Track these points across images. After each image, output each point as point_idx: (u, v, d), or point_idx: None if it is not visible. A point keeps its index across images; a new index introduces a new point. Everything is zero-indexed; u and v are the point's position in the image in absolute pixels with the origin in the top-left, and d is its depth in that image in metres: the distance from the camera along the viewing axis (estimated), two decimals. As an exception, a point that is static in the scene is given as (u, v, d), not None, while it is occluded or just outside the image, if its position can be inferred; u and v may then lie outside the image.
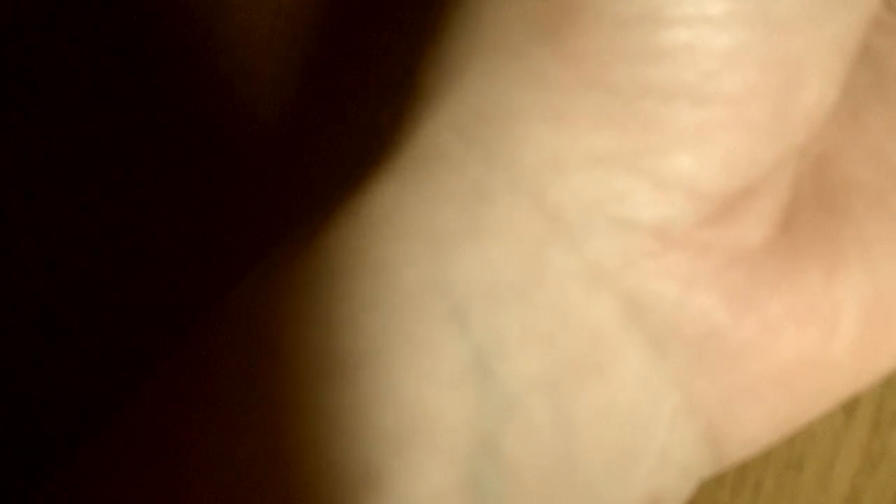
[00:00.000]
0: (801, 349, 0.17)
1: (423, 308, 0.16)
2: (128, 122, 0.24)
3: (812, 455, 0.23)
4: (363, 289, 0.16)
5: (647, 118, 0.15)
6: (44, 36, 0.24)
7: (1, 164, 0.24)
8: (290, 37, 0.24)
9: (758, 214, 0.16)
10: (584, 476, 0.17)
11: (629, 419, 0.17)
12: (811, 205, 0.17)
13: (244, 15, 0.24)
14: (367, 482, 0.16)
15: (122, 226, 0.23)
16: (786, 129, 0.16)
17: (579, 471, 0.17)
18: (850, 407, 0.23)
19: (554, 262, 0.16)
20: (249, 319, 0.17)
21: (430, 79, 0.17)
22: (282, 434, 0.16)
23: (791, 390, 0.17)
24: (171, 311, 0.23)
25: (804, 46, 0.15)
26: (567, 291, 0.16)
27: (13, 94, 0.23)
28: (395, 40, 0.22)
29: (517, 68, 0.16)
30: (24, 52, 0.23)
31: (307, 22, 0.24)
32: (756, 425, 0.17)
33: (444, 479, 0.16)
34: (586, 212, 0.16)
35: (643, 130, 0.15)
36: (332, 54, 0.24)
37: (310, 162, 0.23)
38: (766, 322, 0.16)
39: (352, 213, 0.17)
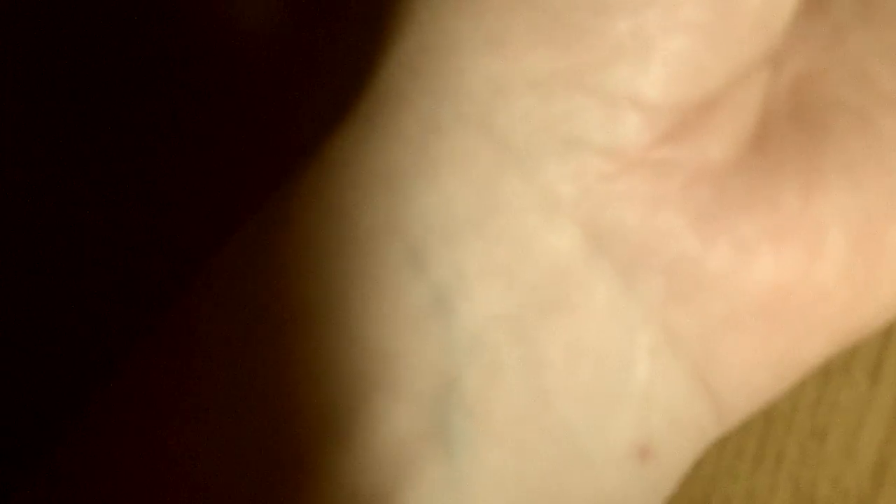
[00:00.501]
0: (781, 272, 0.16)
1: (381, 250, 0.16)
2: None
3: (836, 424, 0.22)
4: (325, 237, 0.16)
5: (581, 31, 0.15)
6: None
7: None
8: None
9: (722, 130, 0.16)
10: (559, 420, 0.16)
11: (603, 357, 0.16)
12: (788, 123, 0.17)
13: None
14: (334, 429, 0.16)
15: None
16: (731, 33, 0.15)
17: (553, 414, 0.16)
18: (874, 372, 0.22)
19: (508, 192, 0.16)
20: (232, 281, 0.17)
21: (388, 19, 0.17)
22: (253, 386, 0.16)
23: (777, 319, 0.16)
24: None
25: None
26: (525, 222, 0.16)
27: None
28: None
29: None
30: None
31: None
32: (745, 361, 0.16)
33: (411, 424, 0.16)
34: (535, 136, 0.16)
35: (581, 45, 0.15)
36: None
37: (304, 113, 0.23)
38: (740, 243, 0.16)
39: (319, 162, 0.17)
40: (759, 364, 0.17)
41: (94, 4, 0.24)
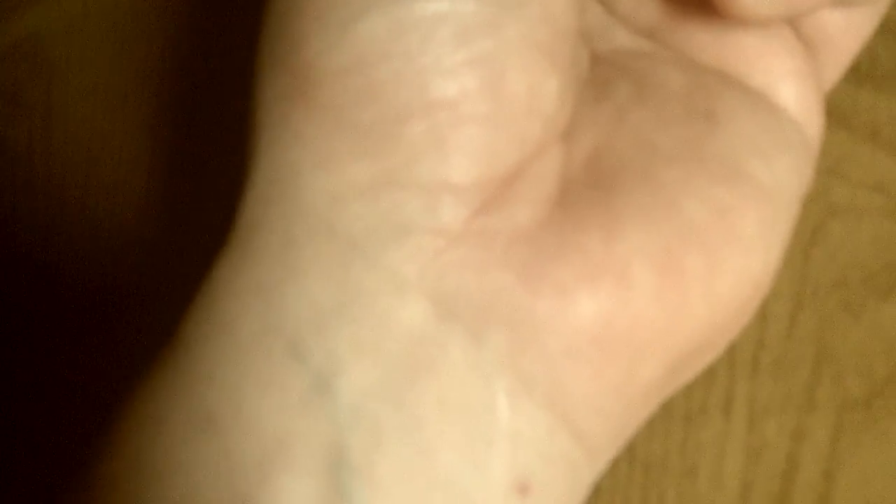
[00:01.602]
0: (601, 305, 0.18)
1: (264, 351, 0.18)
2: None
3: (703, 460, 0.24)
4: (216, 347, 0.19)
5: (389, 139, 0.18)
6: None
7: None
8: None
9: (527, 197, 0.19)
10: (442, 470, 0.18)
11: (470, 408, 0.18)
12: (585, 186, 0.19)
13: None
14: None
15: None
16: (509, 119, 0.18)
17: (436, 465, 0.18)
18: (726, 408, 0.24)
19: (362, 281, 0.18)
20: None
21: (247, 156, 0.20)
22: (157, 484, 0.18)
23: (606, 348, 0.18)
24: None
25: (493, 48, 0.18)
26: (381, 304, 0.18)
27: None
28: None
29: (285, 133, 0.19)
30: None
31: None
32: (590, 388, 0.19)
33: (311, 494, 0.17)
34: (373, 232, 0.18)
35: (391, 150, 0.18)
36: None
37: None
38: (560, 287, 0.18)
39: (208, 283, 0.19)
40: (604, 388, 0.19)
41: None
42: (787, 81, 0.21)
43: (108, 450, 0.19)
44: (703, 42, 0.21)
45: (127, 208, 0.26)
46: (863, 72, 0.27)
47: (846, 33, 0.22)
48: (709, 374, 0.25)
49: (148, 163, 0.26)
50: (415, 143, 0.18)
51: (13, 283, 0.26)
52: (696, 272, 0.19)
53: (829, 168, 0.26)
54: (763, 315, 0.25)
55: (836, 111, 0.26)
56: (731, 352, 0.25)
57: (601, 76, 0.21)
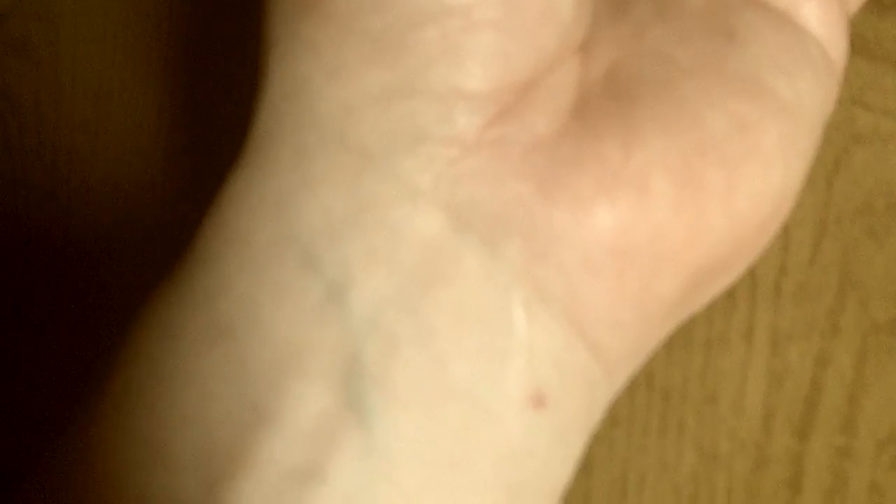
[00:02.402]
0: (620, 216, 0.18)
1: (278, 261, 0.18)
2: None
3: (724, 387, 0.24)
4: (231, 259, 0.19)
5: (400, 46, 0.18)
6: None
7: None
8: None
9: (543, 107, 0.19)
10: (456, 380, 0.18)
11: (485, 318, 0.18)
12: (603, 97, 0.19)
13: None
14: (254, 418, 0.18)
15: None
16: (524, 26, 0.18)
17: (451, 375, 0.18)
18: (747, 336, 0.24)
19: (375, 191, 0.18)
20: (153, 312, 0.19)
21: (259, 72, 0.20)
22: (171, 394, 0.18)
23: (624, 259, 0.19)
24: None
25: None
26: (395, 214, 0.18)
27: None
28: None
29: (297, 45, 0.19)
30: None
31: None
32: (607, 300, 0.19)
33: (325, 402, 0.18)
34: (386, 141, 0.18)
35: (402, 57, 0.18)
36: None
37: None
38: (578, 197, 0.18)
39: (221, 198, 0.20)
40: (621, 301, 0.19)
41: None
42: (810, 2, 0.21)
43: (122, 360, 0.19)
44: None
45: (138, 157, 0.26)
46: (886, 2, 0.26)
47: None
48: (730, 301, 0.25)
49: (158, 111, 0.26)
50: (427, 50, 0.18)
51: (24, 233, 0.26)
52: (716, 186, 0.19)
53: (851, 97, 0.26)
54: (785, 242, 0.25)
55: (859, 41, 0.26)
56: (753, 278, 0.25)
57: None
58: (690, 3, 0.21)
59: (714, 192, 0.19)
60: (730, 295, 0.25)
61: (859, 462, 0.24)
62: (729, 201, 0.19)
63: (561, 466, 0.19)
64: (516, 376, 0.18)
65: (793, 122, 0.20)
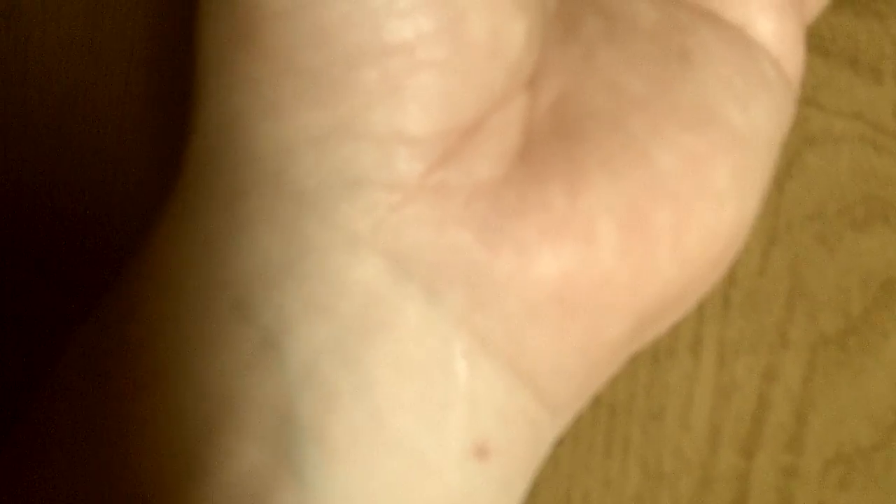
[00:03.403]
0: (564, 264, 0.18)
1: (210, 309, 0.18)
2: None
3: (670, 402, 0.24)
4: (160, 305, 0.18)
5: (340, 86, 0.17)
6: None
7: None
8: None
9: (487, 150, 0.18)
10: (396, 433, 0.18)
11: (425, 368, 0.18)
12: (550, 137, 0.19)
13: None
14: (185, 474, 0.17)
15: None
16: (469, 65, 0.18)
17: (390, 428, 0.18)
18: (694, 349, 0.24)
19: (313, 236, 0.18)
20: (83, 357, 0.19)
21: (193, 102, 0.19)
22: (101, 443, 0.18)
23: (569, 307, 0.18)
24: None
25: None
26: (333, 261, 0.18)
27: None
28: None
29: (232, 77, 0.18)
30: None
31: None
32: (551, 349, 0.18)
33: (259, 457, 0.17)
34: (325, 184, 0.18)
35: (342, 98, 0.17)
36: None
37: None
38: (521, 245, 0.18)
39: (150, 238, 0.19)
40: (566, 349, 0.19)
41: None
42: (765, 14, 0.20)
43: (46, 403, 0.19)
44: None
45: (108, 163, 0.25)
46: (841, -6, 0.26)
47: None
48: (678, 314, 0.25)
49: (124, 114, 0.25)
50: (368, 91, 0.17)
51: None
52: (665, 228, 0.19)
53: (805, 97, 0.26)
54: (735, 250, 0.25)
55: (812, 37, 0.26)
56: (701, 290, 0.25)
57: (569, 10, 0.20)
58: (642, 20, 0.20)
59: (662, 234, 0.19)
60: (678, 306, 0.24)
61: (805, 482, 0.25)
62: (678, 243, 0.19)
63: None
64: (458, 428, 0.18)
65: (746, 153, 0.19)
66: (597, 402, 0.24)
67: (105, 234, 0.25)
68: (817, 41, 0.26)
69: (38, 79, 0.26)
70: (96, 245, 0.25)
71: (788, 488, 0.25)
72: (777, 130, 0.20)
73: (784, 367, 0.25)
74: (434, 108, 0.18)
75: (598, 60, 0.20)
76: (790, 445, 0.25)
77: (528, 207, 0.18)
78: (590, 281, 0.18)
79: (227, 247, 0.18)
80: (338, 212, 0.18)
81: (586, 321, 0.19)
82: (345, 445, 0.17)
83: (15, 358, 0.25)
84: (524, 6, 0.18)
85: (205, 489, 0.17)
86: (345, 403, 0.18)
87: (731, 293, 0.25)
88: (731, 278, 0.25)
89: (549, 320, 0.18)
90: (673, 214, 0.19)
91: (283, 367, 0.18)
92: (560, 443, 0.24)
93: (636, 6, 0.20)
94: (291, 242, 0.18)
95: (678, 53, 0.20)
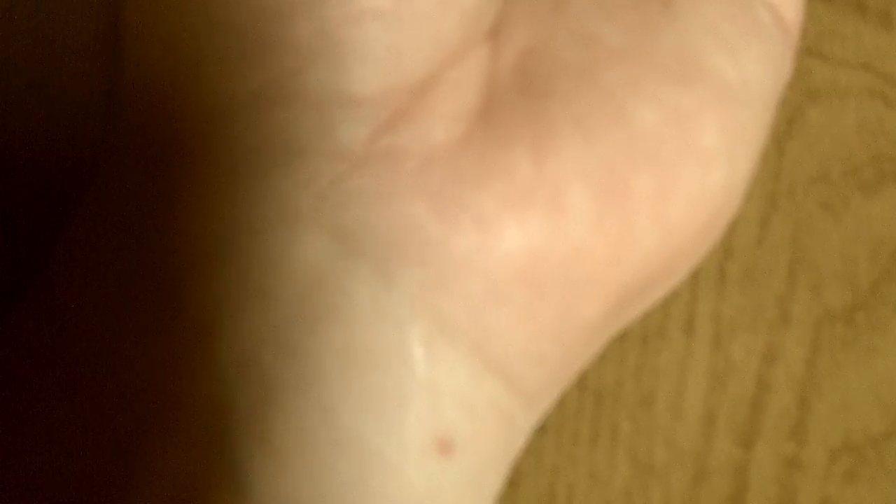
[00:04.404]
0: (529, 238, 0.17)
1: (136, 295, 0.17)
2: None
3: (661, 387, 0.24)
4: (82, 293, 0.18)
5: (270, 43, 0.16)
6: None
7: None
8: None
9: (442, 110, 0.17)
10: (347, 430, 0.17)
11: (379, 357, 0.17)
12: (515, 93, 0.18)
13: None
14: (115, 484, 0.16)
15: None
16: (417, 14, 0.17)
17: (340, 425, 0.17)
18: (687, 328, 0.24)
19: (247, 213, 0.17)
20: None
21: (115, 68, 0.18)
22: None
23: (538, 285, 0.17)
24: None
25: None
26: (273, 240, 0.17)
27: None
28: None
29: (151, 35, 0.17)
30: None
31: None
32: (520, 332, 0.17)
33: (197, 464, 0.16)
34: (257, 153, 0.17)
35: (273, 56, 0.16)
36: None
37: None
38: (481, 219, 0.17)
39: (71, 220, 0.18)
40: (537, 331, 0.17)
41: None
42: None
43: None
44: None
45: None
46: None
47: None
48: (668, 290, 0.24)
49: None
50: (301, 47, 0.16)
51: None
52: (644, 194, 0.18)
53: (807, 47, 0.25)
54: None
55: (816, -22, 0.25)
56: (694, 262, 0.24)
57: None
58: None
59: (642, 201, 0.18)
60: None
61: (810, 474, 0.24)
62: (660, 211, 0.18)
63: None
64: (417, 422, 0.17)
65: (738, 109, 0.18)
66: (582, 388, 0.24)
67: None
68: (820, -16, 0.25)
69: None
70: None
71: (791, 481, 0.24)
72: (773, 84, 0.19)
73: (785, 346, 0.24)
74: (378, 65, 0.16)
75: (570, 8, 0.19)
76: (792, 434, 0.24)
77: (489, 174, 0.17)
78: (560, 255, 0.17)
79: (152, 227, 0.17)
80: (274, 185, 0.17)
81: (558, 300, 0.17)
82: (290, 444, 0.16)
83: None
84: None
85: (137, 498, 0.16)
86: (288, 398, 0.16)
87: (726, 266, 0.24)
88: (726, 249, 0.24)
89: (517, 300, 0.17)
90: (654, 179, 0.18)
91: (217, 360, 0.16)
92: (542, 432, 0.24)
93: None
94: (223, 221, 0.17)
95: None
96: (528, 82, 0.18)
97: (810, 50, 0.25)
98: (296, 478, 0.16)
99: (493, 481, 0.18)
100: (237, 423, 0.16)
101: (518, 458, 0.23)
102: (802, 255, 0.25)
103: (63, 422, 0.17)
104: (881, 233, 0.25)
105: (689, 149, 0.18)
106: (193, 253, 0.17)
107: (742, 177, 0.19)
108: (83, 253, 0.18)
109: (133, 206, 0.17)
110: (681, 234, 0.18)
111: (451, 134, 0.17)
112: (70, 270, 0.18)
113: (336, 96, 0.16)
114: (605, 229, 0.17)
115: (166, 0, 0.17)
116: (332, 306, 0.17)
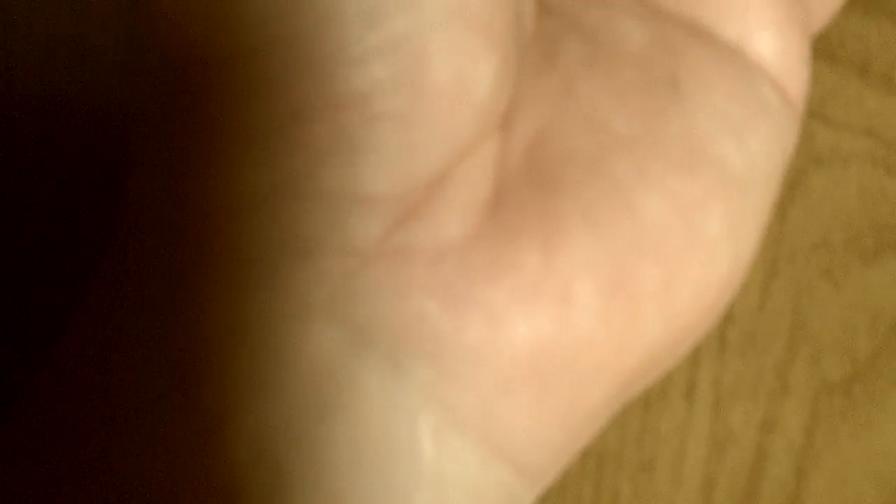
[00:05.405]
0: (539, 331, 0.17)
1: (148, 385, 0.17)
2: None
3: (661, 453, 0.24)
4: (89, 380, 0.18)
5: (285, 139, 0.17)
6: None
7: None
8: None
9: (454, 206, 0.17)
10: None
11: (388, 447, 0.17)
12: (525, 184, 0.18)
13: None
14: None
15: None
16: (430, 115, 0.17)
17: None
18: (688, 394, 0.24)
19: (260, 306, 0.17)
20: None
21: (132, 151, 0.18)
22: None
23: (546, 376, 0.18)
24: None
25: (410, 26, 0.17)
26: (284, 334, 0.17)
27: None
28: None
29: (167, 137, 0.18)
30: None
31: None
32: (528, 421, 0.18)
33: None
34: (272, 248, 0.17)
35: (287, 153, 0.17)
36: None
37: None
38: (491, 312, 0.17)
39: (82, 304, 0.18)
40: (544, 420, 0.18)
41: None
42: (764, 30, 0.20)
43: None
44: None
45: None
46: (851, -9, 0.26)
47: None
48: (670, 355, 0.24)
49: None
50: (316, 147, 0.17)
51: None
52: (651, 286, 0.18)
53: (810, 110, 0.25)
54: (732, 285, 0.24)
55: (819, 42, 0.25)
56: (696, 329, 0.24)
57: (548, 33, 0.20)
58: (628, 42, 0.19)
59: (649, 292, 0.18)
60: (670, 347, 0.24)
61: None
62: (667, 300, 0.18)
63: None
64: None
65: (743, 195, 0.19)
66: (585, 452, 0.24)
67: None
68: (823, 45, 0.25)
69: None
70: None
71: (788, 552, 0.25)
72: (778, 164, 0.19)
73: (784, 416, 0.24)
74: (392, 165, 0.17)
75: (579, 91, 0.19)
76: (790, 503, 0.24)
77: (498, 269, 0.17)
78: (568, 347, 0.18)
79: (165, 317, 0.17)
80: (287, 279, 0.17)
81: (566, 390, 0.18)
82: None
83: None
84: (493, 41, 0.17)
85: None
86: (298, 490, 0.17)
87: (727, 331, 0.25)
88: (727, 315, 0.25)
89: (525, 391, 0.18)
90: (660, 270, 0.18)
91: (230, 451, 0.17)
92: (544, 497, 0.24)
93: (623, 25, 0.19)
94: (235, 314, 0.17)
95: (667, 81, 0.19)
96: (538, 172, 0.18)
97: (813, 112, 0.25)
98: None
99: None
100: None
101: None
102: (803, 323, 0.25)
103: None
104: (880, 303, 0.25)
105: (694, 239, 0.18)
106: (208, 343, 0.17)
107: (747, 259, 0.19)
108: (96, 328, 0.18)
109: (152, 283, 0.17)
110: (686, 318, 0.18)
111: (462, 228, 0.17)
112: (84, 346, 0.18)
113: (350, 195, 0.17)
114: (612, 320, 0.18)
115: (182, 99, 0.17)
116: (342, 398, 0.17)
